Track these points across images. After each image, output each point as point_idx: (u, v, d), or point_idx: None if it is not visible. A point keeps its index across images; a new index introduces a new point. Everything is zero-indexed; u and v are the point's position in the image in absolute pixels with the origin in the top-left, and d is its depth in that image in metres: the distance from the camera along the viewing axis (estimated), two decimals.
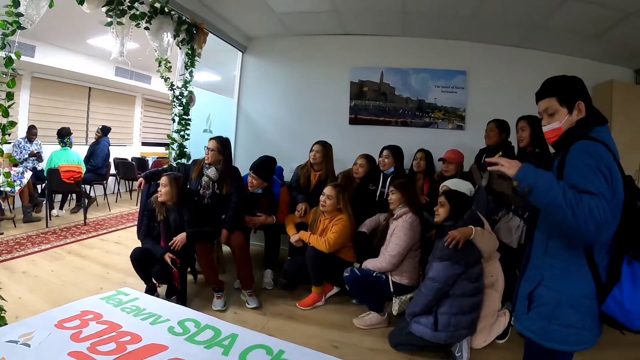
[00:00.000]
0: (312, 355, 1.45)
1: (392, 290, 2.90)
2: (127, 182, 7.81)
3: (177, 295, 3.03)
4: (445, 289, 2.44)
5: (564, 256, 1.39)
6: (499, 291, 2.68)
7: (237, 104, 4.97)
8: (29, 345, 1.36)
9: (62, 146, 5.42)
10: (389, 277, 2.91)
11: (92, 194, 6.26)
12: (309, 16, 4.20)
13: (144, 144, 9.11)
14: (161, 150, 9.11)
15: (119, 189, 7.43)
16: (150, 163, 8.18)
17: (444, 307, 2.46)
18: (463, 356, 2.48)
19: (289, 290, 3.46)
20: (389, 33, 4.49)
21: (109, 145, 6.27)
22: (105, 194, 6.51)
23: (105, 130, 6.27)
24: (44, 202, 5.32)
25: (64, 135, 5.48)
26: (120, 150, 7.92)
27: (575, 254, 1.37)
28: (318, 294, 3.25)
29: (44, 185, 5.57)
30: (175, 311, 1.71)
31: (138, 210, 4.76)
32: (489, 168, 1.45)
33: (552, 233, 1.43)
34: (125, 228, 5.34)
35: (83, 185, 5.73)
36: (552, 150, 2.68)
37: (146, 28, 3.25)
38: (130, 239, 4.69)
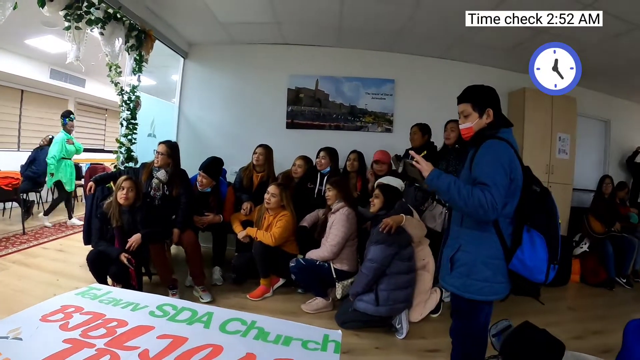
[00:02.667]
0: (278, 322, 1.71)
1: (334, 276, 3.24)
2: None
3: None
4: (383, 268, 2.82)
5: (475, 227, 1.75)
6: (430, 272, 3.12)
7: (179, 109, 5.10)
8: (21, 339, 1.42)
9: None
10: (331, 264, 3.25)
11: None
12: (251, 26, 4.46)
13: None
14: (95, 156, 8.79)
15: (53, 197, 7.10)
16: (84, 169, 7.85)
17: (383, 284, 2.83)
18: (403, 327, 2.86)
19: (238, 285, 3.68)
20: (324, 44, 4.86)
21: None
22: (40, 202, 6.29)
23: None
24: None
25: None
26: None
27: (484, 225, 1.73)
28: (266, 285, 3.50)
29: None
30: (150, 298, 1.87)
31: (84, 215, 4.73)
32: (408, 161, 1.89)
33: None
34: (66, 236, 5.24)
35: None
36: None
37: (101, 33, 3.33)
38: (73, 247, 4.67)
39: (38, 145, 6.04)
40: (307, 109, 4.97)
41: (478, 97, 1.84)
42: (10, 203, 5.71)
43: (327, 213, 3.48)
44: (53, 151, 5.52)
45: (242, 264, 3.61)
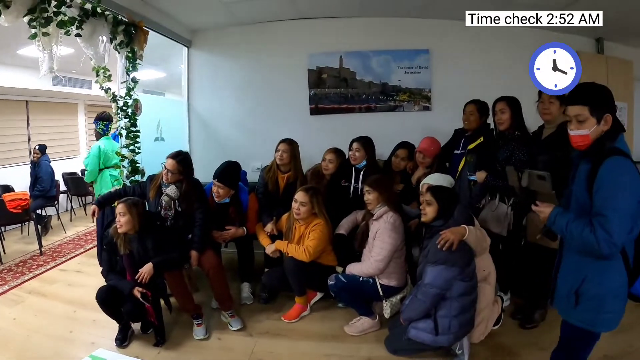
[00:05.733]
0: None
1: (381, 293, 2.79)
2: (79, 197, 7.27)
3: (155, 329, 2.77)
4: (442, 293, 2.32)
5: (601, 257, 1.55)
6: (492, 284, 2.61)
7: (188, 105, 4.64)
8: None
9: None
10: (377, 280, 2.79)
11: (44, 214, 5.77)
12: (258, 2, 3.91)
13: None
14: None
15: (71, 207, 6.91)
16: None
17: (443, 310, 2.34)
18: (464, 353, 2.41)
19: (270, 303, 3.29)
20: (346, 14, 4.30)
21: (50, 162, 5.76)
22: (58, 215, 6.02)
23: (43, 149, 5.74)
24: None
25: None
26: (67, 164, 7.35)
27: None
28: (302, 303, 3.09)
29: None
30: None
31: (95, 228, 4.44)
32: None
33: None
34: (85, 252, 4.95)
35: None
36: (530, 131, 2.80)
37: (77, 35, 2.82)
38: (91, 265, 4.35)
39: (32, 161, 5.73)
40: (332, 90, 4.44)
41: (597, 100, 1.60)
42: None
43: (367, 219, 2.96)
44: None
45: (275, 282, 3.18)
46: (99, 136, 4.70)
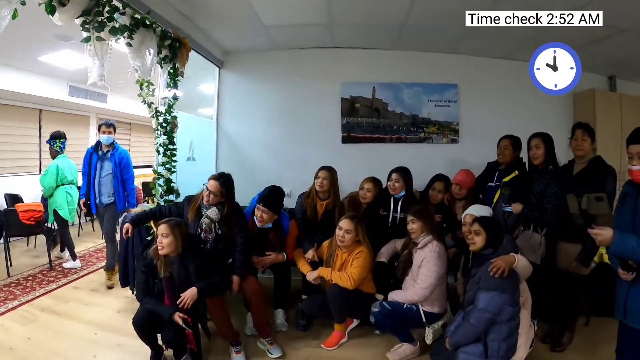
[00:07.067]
0: None
1: (424, 320, 2.81)
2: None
3: (193, 356, 2.65)
4: (495, 317, 2.39)
5: None
6: (528, 309, 2.67)
7: (217, 125, 4.62)
8: None
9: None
10: (420, 307, 2.81)
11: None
12: (297, 28, 3.99)
13: None
14: None
15: (79, 221, 6.65)
16: None
17: (493, 333, 2.40)
18: None
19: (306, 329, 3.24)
20: (379, 46, 4.38)
21: None
22: None
23: None
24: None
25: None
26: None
27: None
28: (341, 330, 3.06)
29: None
30: None
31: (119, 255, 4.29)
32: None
33: None
34: (97, 270, 4.75)
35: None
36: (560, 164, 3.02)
37: (128, 44, 2.77)
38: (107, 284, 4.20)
39: None
40: (364, 120, 4.50)
41: None
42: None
43: (411, 248, 2.98)
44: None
45: (314, 308, 3.15)
46: (55, 154, 4.66)
